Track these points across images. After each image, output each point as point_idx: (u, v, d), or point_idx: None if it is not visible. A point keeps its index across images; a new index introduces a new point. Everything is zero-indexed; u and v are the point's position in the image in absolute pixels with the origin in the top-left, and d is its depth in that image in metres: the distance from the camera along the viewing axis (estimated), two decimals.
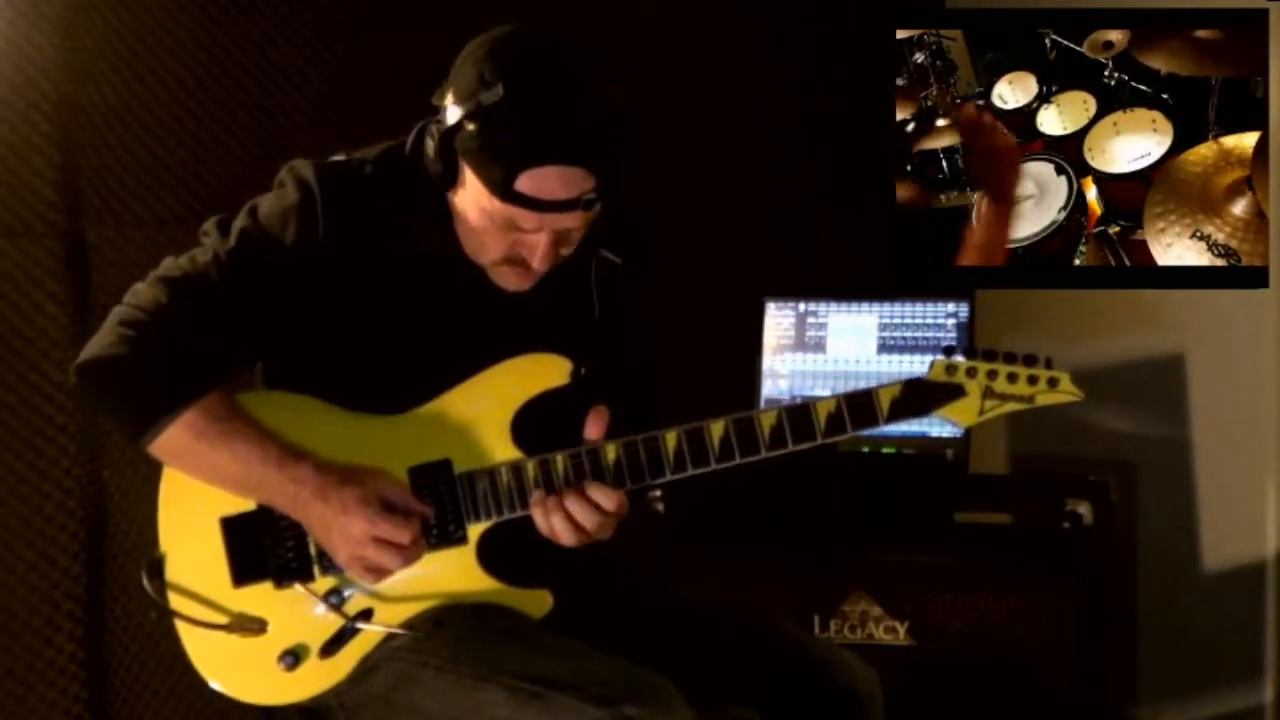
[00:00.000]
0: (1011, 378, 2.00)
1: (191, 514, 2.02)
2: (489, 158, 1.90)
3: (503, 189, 1.90)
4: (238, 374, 2.07)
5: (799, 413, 1.99)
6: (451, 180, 1.96)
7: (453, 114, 1.91)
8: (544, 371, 2.03)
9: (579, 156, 1.89)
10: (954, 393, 2.00)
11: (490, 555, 2.01)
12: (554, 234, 1.95)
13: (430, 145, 1.96)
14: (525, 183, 1.88)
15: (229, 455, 1.95)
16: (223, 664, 2.01)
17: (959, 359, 2.01)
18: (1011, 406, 2.01)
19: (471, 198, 1.96)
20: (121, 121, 2.60)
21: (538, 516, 1.98)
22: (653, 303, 2.23)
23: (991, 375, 2.00)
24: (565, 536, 1.98)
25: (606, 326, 2.12)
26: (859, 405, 1.99)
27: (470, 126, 1.89)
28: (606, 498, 1.97)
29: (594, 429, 1.99)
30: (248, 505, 2.01)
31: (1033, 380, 2.00)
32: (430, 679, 1.92)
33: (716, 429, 1.98)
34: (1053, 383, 2.00)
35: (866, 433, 2.50)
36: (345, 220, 2.00)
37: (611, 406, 2.01)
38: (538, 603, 2.02)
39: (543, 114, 1.87)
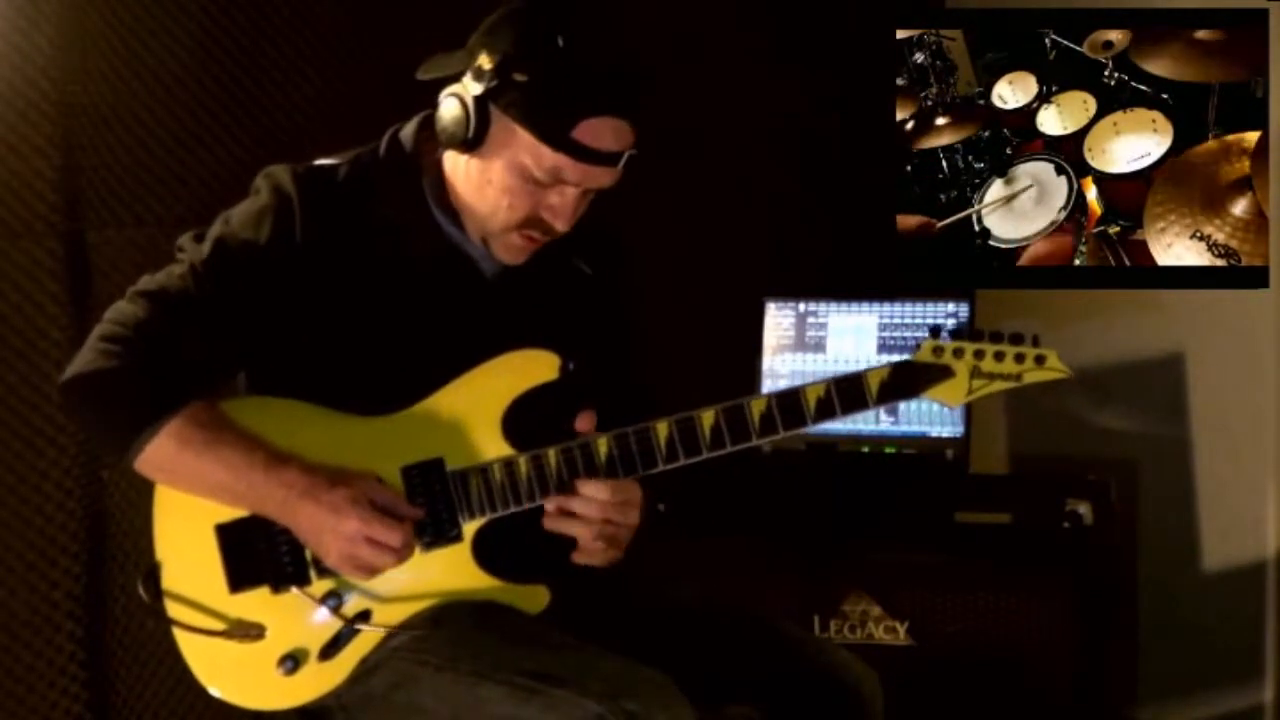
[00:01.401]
0: (999, 356, 2.01)
1: (186, 522, 2.01)
2: (546, 107, 1.93)
3: (559, 137, 1.93)
4: (222, 383, 2.06)
5: (788, 398, 1.99)
6: (478, 143, 1.97)
7: (493, 74, 1.93)
8: (533, 367, 2.03)
9: (630, 110, 1.95)
10: (942, 373, 2.01)
11: (486, 552, 2.01)
12: (581, 194, 1.99)
13: (457, 107, 1.96)
14: (582, 131, 1.93)
15: (215, 463, 1.94)
16: (222, 671, 2.00)
17: (946, 340, 2.02)
18: (999, 385, 2.02)
19: (508, 155, 1.97)
20: (121, 121, 2.60)
21: (552, 524, 1.99)
22: (637, 316, 2.25)
23: (979, 355, 2.01)
24: (589, 542, 1.99)
25: (581, 334, 2.12)
26: (848, 389, 2.00)
27: (521, 78, 1.92)
28: (598, 490, 1.97)
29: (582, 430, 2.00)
30: (242, 511, 2.00)
31: (1020, 358, 2.01)
32: (429, 678, 1.92)
33: (707, 417, 1.99)
34: (1040, 360, 2.01)
35: (868, 432, 2.50)
36: (323, 222, 2.01)
37: (600, 406, 2.02)
38: (534, 598, 2.02)
39: (602, 65, 1.94)
